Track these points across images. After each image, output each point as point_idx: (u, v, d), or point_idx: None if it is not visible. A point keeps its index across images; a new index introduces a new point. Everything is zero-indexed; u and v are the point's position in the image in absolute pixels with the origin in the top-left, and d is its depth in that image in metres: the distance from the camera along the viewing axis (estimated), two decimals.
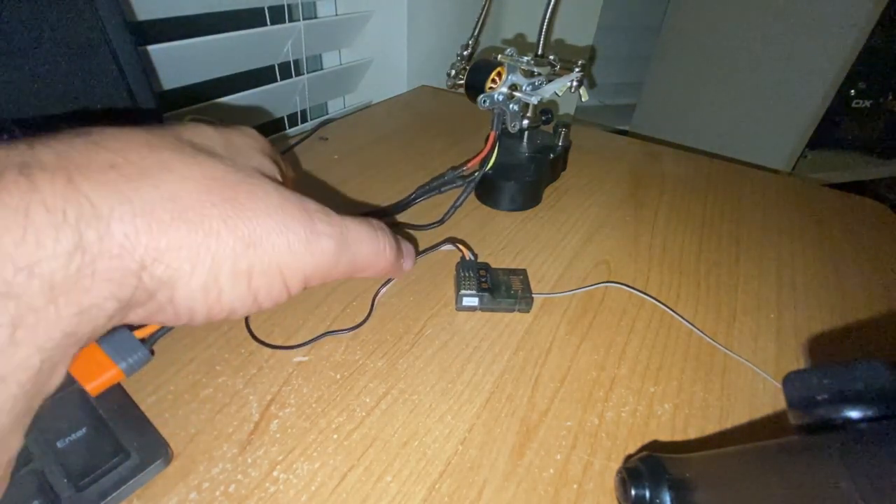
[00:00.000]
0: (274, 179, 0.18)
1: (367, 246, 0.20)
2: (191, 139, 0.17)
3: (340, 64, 0.63)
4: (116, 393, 0.21)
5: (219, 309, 0.16)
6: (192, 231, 0.15)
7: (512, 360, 0.26)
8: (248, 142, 0.19)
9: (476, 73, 0.36)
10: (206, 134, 0.18)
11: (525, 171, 0.38)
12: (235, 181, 0.16)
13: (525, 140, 0.41)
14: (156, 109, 0.31)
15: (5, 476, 0.13)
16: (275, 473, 0.20)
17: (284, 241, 0.17)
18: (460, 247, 0.31)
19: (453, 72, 0.40)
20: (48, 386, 0.13)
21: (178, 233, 0.14)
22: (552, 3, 0.38)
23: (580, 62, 0.39)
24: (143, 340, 0.22)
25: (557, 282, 0.31)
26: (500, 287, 0.28)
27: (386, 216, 0.35)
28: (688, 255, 0.35)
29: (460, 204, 0.36)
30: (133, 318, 0.15)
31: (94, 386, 0.20)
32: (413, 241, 0.27)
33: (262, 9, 0.50)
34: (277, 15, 0.52)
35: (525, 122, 0.37)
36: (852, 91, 0.91)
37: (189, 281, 0.15)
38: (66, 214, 0.12)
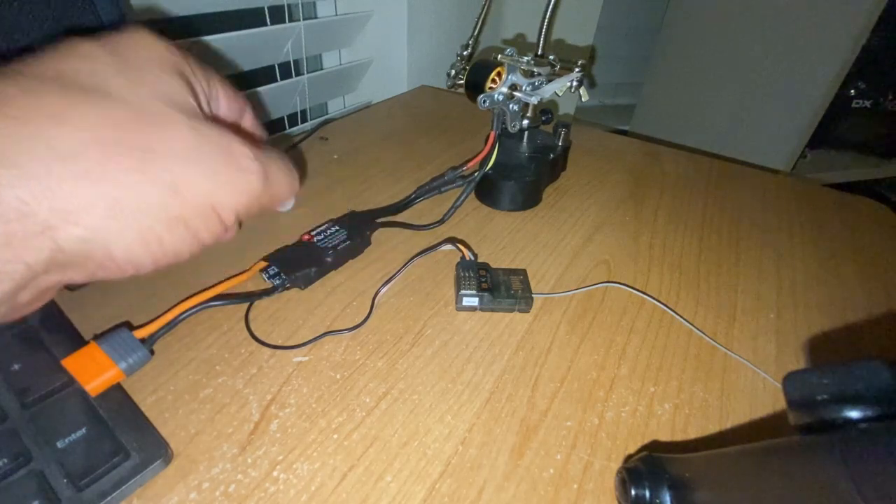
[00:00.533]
0: (185, 108, 0.16)
1: (284, 180, 0.20)
2: (78, 72, 0.15)
3: (340, 64, 0.63)
4: (116, 393, 0.21)
5: (162, 255, 0.16)
6: (102, 188, 0.14)
7: (512, 360, 0.26)
8: (147, 57, 0.16)
9: (476, 73, 0.36)
10: (95, 60, 0.15)
11: (525, 171, 0.38)
12: (140, 123, 0.15)
13: (525, 140, 0.41)
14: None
15: None
16: (275, 473, 0.20)
17: (211, 182, 0.16)
18: (460, 247, 0.31)
19: (453, 72, 0.40)
20: None
21: (87, 191, 0.13)
22: (552, 3, 0.38)
23: (580, 62, 0.39)
24: (142, 340, 0.22)
25: (557, 282, 0.31)
26: (500, 287, 0.28)
27: (386, 216, 0.35)
28: (688, 255, 0.35)
29: (460, 204, 0.36)
30: (74, 276, 0.15)
31: (94, 386, 0.20)
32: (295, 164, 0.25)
33: (263, 9, 0.50)
34: (277, 15, 0.52)
35: (525, 122, 0.37)
36: (852, 91, 0.91)
37: (122, 237, 0.14)
38: None
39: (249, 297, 0.27)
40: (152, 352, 0.23)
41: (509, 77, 0.35)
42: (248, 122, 0.24)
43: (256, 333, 0.26)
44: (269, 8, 0.51)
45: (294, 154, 0.44)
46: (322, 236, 0.31)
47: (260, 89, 0.50)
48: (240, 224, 0.21)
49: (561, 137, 0.42)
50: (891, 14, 0.78)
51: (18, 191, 0.12)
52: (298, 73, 0.54)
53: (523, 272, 0.30)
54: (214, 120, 0.18)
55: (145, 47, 0.17)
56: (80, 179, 0.13)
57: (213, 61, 0.45)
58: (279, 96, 0.53)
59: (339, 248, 0.30)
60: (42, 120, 0.13)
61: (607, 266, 0.33)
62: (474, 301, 0.28)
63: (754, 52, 0.90)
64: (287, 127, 0.58)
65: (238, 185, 0.17)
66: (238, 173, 0.17)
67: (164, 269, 0.18)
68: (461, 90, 0.37)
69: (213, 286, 0.26)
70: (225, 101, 0.21)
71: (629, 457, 0.21)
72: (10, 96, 0.13)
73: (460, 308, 0.28)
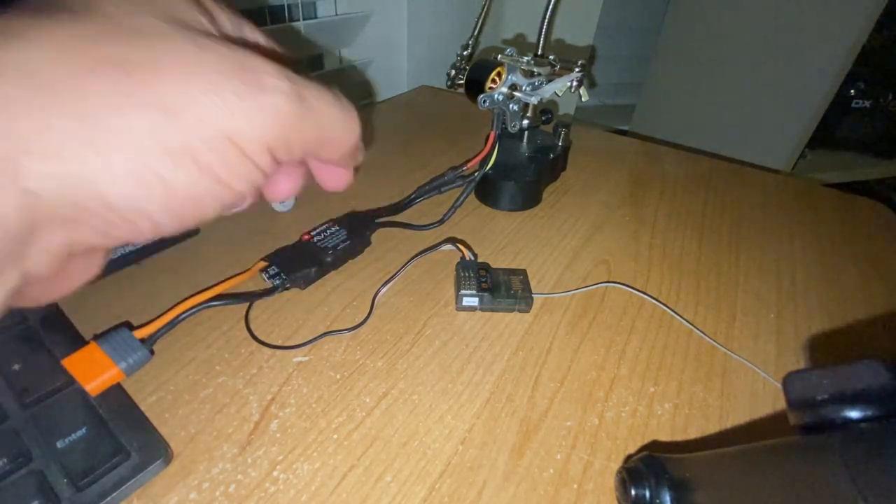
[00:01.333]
0: (191, 26, 0.14)
1: (335, 111, 0.16)
2: None
3: (340, 64, 0.63)
4: (116, 393, 0.21)
5: (177, 201, 0.13)
6: (72, 111, 0.11)
7: (512, 360, 0.26)
8: None
9: (476, 73, 0.36)
10: None
11: (525, 171, 0.38)
12: (127, 40, 0.12)
13: (525, 140, 0.41)
14: None
15: None
16: (275, 473, 0.20)
17: (217, 100, 0.13)
18: (460, 247, 0.31)
19: (453, 72, 0.40)
20: None
21: (52, 117, 0.11)
22: (552, 3, 0.38)
23: (580, 62, 0.39)
24: (142, 340, 0.22)
25: (557, 282, 0.31)
26: (500, 287, 0.28)
27: (386, 216, 0.35)
28: (688, 255, 0.35)
29: (460, 204, 0.36)
30: (81, 234, 0.12)
31: (94, 386, 0.20)
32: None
33: (263, 9, 0.50)
34: (277, 15, 0.52)
35: (525, 122, 0.37)
36: (852, 91, 0.91)
37: (110, 174, 0.12)
38: None
39: (249, 297, 0.27)
40: (152, 352, 0.23)
41: (509, 77, 0.35)
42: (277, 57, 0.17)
43: (256, 333, 0.26)
44: (269, 8, 0.51)
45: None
46: (322, 236, 0.31)
47: None
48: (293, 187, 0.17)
49: (561, 137, 0.42)
50: (891, 14, 0.78)
51: None
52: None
53: (523, 272, 0.30)
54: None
55: None
56: (44, 101, 0.11)
57: None
58: None
59: (338, 248, 0.30)
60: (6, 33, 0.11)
61: (607, 266, 0.33)
62: (474, 301, 0.28)
63: (754, 52, 0.90)
64: None
65: (261, 107, 0.13)
66: (259, 92, 0.13)
67: (201, 226, 0.14)
68: (461, 90, 0.37)
69: (212, 286, 0.26)
70: (251, 36, 0.18)
71: (629, 457, 0.21)
72: None
73: (460, 308, 0.28)
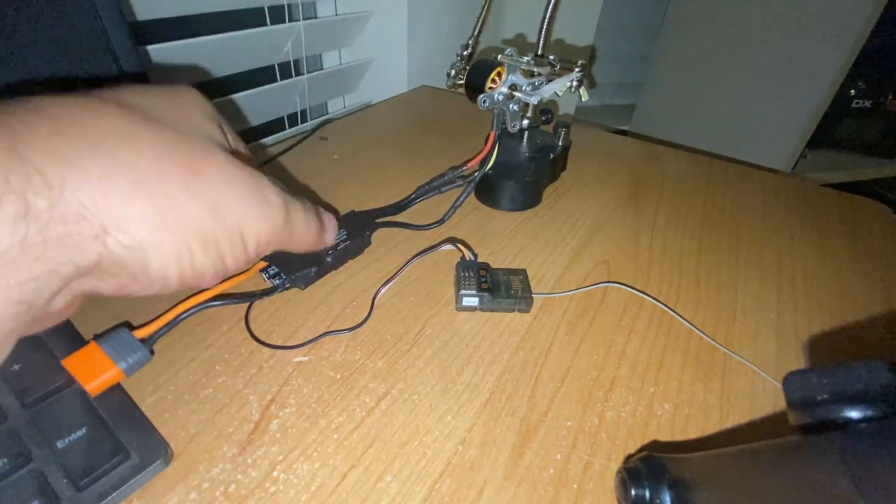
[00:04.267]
0: (223, 146, 0.18)
1: (303, 221, 0.22)
2: (139, 106, 0.17)
3: (340, 64, 0.63)
4: (116, 393, 0.21)
5: (191, 274, 0.17)
6: (154, 199, 0.15)
7: (512, 360, 0.26)
8: (192, 105, 0.19)
9: (476, 73, 0.36)
10: (150, 98, 0.17)
11: (525, 171, 0.38)
12: (190, 149, 0.17)
13: (525, 140, 0.41)
14: (144, 79, 0.31)
15: None
16: (275, 473, 0.20)
17: (243, 207, 0.18)
18: (460, 247, 0.31)
19: (453, 72, 0.40)
20: None
21: (140, 201, 0.15)
22: (552, 3, 0.38)
23: (580, 62, 0.39)
24: (142, 340, 0.22)
25: (557, 282, 0.31)
26: (500, 287, 0.28)
27: (386, 216, 0.35)
28: (688, 255, 0.35)
29: (460, 204, 0.36)
30: (105, 287, 0.16)
31: (94, 386, 0.20)
32: (336, 212, 0.28)
33: (263, 9, 0.50)
34: (277, 15, 0.52)
35: (525, 122, 0.37)
36: (852, 91, 0.91)
37: (161, 249, 0.15)
38: (9, 183, 0.12)
39: (249, 297, 0.27)
40: (152, 352, 0.23)
41: (509, 77, 0.35)
42: None
43: (256, 333, 0.26)
44: (269, 8, 0.51)
45: (292, 154, 0.44)
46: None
47: (260, 89, 0.50)
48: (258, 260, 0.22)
49: (561, 137, 0.42)
50: (891, 14, 0.78)
51: (82, 194, 0.14)
52: (298, 73, 0.54)
53: (523, 272, 0.30)
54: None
55: (191, 97, 0.20)
56: (136, 189, 0.15)
57: (213, 61, 0.45)
58: (279, 96, 0.53)
59: (339, 248, 0.30)
60: (107, 135, 0.15)
61: (607, 266, 0.33)
62: (474, 301, 0.28)
63: (754, 52, 0.90)
64: (287, 127, 0.58)
65: (264, 214, 0.19)
66: (264, 204, 0.19)
67: (185, 291, 0.18)
68: (461, 90, 0.37)
69: (212, 286, 0.26)
70: (239, 146, 0.23)
71: (629, 457, 0.21)
72: (80, 116, 0.15)
73: (460, 308, 0.28)
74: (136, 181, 0.15)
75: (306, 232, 0.22)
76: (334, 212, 0.30)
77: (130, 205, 0.15)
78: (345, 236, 0.31)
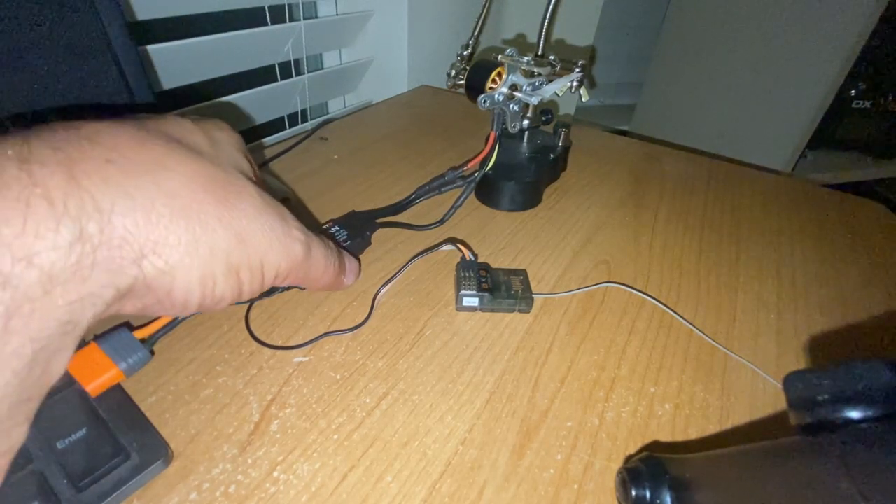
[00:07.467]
0: (253, 180, 0.19)
1: (322, 260, 0.22)
2: (179, 137, 0.17)
3: (341, 64, 0.63)
4: (116, 393, 0.21)
5: (211, 299, 0.17)
6: (190, 226, 0.16)
7: (512, 360, 0.26)
8: (226, 138, 0.20)
9: (476, 73, 0.35)
10: (190, 130, 0.18)
11: (525, 172, 0.38)
12: (226, 181, 0.17)
13: (525, 140, 0.41)
14: (155, 109, 0.31)
15: (3, 466, 0.13)
16: (275, 474, 0.20)
17: (267, 240, 0.18)
18: (460, 247, 0.31)
19: (453, 72, 0.40)
20: (47, 375, 0.13)
21: (177, 227, 0.15)
22: (552, 3, 0.38)
23: (580, 62, 0.39)
24: (143, 340, 0.22)
25: (557, 282, 0.31)
26: (500, 287, 0.28)
27: (386, 216, 0.35)
28: (688, 255, 0.35)
29: (460, 204, 0.36)
30: (129, 308, 0.16)
31: (94, 386, 0.20)
32: (357, 260, 0.29)
33: (263, 8, 0.50)
34: (277, 14, 0.52)
35: (525, 122, 0.37)
36: (852, 91, 0.91)
37: (189, 274, 0.16)
38: (66, 207, 0.13)
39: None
40: (152, 352, 0.23)
41: (509, 77, 0.35)
42: None
43: (256, 333, 0.26)
44: (269, 8, 0.51)
45: (292, 154, 0.44)
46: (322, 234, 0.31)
47: (260, 89, 0.50)
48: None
49: (561, 137, 0.42)
50: (891, 14, 0.78)
51: (127, 220, 0.14)
52: (298, 73, 0.54)
53: (523, 272, 0.30)
54: None
55: (227, 132, 0.21)
56: (175, 216, 0.15)
57: (213, 61, 0.45)
58: (279, 96, 0.53)
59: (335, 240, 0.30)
60: (151, 164, 0.15)
61: (607, 266, 0.33)
62: (474, 301, 0.28)
63: (754, 52, 0.90)
64: (287, 127, 0.58)
65: (286, 248, 0.19)
66: (288, 238, 0.20)
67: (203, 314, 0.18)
68: (461, 90, 0.37)
69: None
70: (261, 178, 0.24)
71: (629, 457, 0.21)
72: (129, 145, 0.15)
73: (460, 308, 0.28)
74: (175, 209, 0.15)
75: (324, 271, 0.23)
76: (358, 261, 0.29)
77: (168, 231, 0.15)
78: (345, 236, 0.31)
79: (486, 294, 0.28)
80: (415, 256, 0.32)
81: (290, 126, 0.59)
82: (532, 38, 0.40)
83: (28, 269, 0.12)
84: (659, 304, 0.30)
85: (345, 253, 0.26)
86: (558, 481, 0.21)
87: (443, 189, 0.37)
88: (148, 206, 0.15)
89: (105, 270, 0.14)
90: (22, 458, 0.18)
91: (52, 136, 0.14)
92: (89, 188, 0.13)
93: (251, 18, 0.50)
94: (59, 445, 0.19)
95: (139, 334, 0.23)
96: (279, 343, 0.26)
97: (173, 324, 0.24)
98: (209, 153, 0.18)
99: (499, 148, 0.35)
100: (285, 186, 0.38)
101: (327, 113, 0.65)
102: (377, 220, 0.34)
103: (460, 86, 0.38)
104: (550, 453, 0.22)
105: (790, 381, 0.14)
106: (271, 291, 0.27)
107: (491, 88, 0.35)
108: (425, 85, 0.65)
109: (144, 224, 0.15)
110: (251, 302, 0.27)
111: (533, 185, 0.39)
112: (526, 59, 0.36)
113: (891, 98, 0.93)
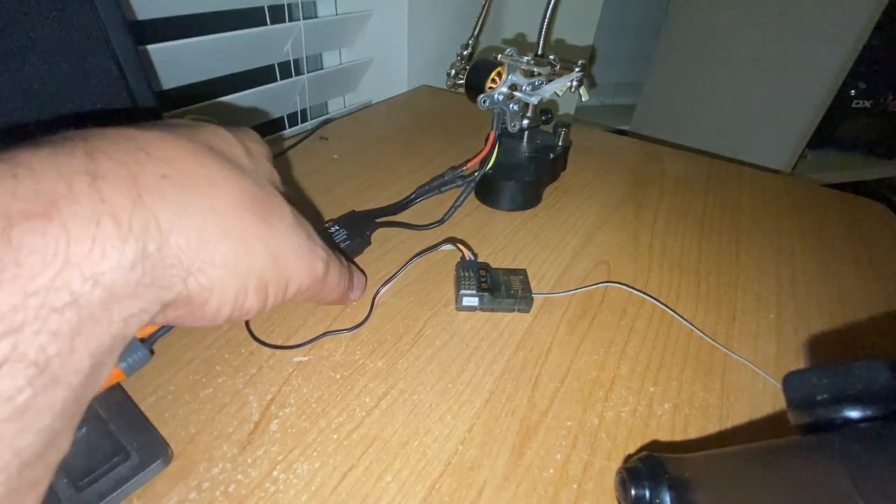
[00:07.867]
0: (284, 194, 0.20)
1: (337, 277, 0.23)
2: (222, 150, 0.18)
3: (340, 64, 0.63)
4: (116, 393, 0.21)
5: (239, 312, 0.18)
6: (234, 246, 0.16)
7: (512, 360, 0.26)
8: (260, 150, 0.20)
9: (476, 73, 0.35)
10: (230, 143, 0.18)
11: (525, 171, 0.38)
12: (266, 200, 0.18)
13: (525, 140, 0.41)
14: (155, 109, 0.31)
15: (48, 477, 0.13)
16: (275, 473, 0.20)
17: (296, 258, 0.19)
18: (460, 247, 0.31)
19: (453, 72, 0.40)
20: (95, 386, 0.13)
21: (223, 246, 0.16)
22: (552, 3, 0.38)
23: (580, 62, 0.39)
24: (143, 340, 0.22)
25: (557, 282, 0.31)
26: (500, 287, 0.28)
27: (386, 215, 0.35)
28: (688, 255, 0.35)
29: (460, 204, 0.36)
30: (161, 318, 0.16)
31: None
32: (364, 275, 0.29)
33: (263, 8, 0.50)
34: (277, 14, 0.52)
35: (525, 122, 0.37)
36: (852, 91, 0.91)
37: (226, 290, 0.16)
38: (132, 227, 0.13)
39: None
40: (152, 352, 0.23)
41: (509, 77, 0.35)
42: None
43: (256, 333, 0.26)
44: (269, 7, 0.51)
45: (292, 154, 0.44)
46: (322, 236, 0.31)
47: (260, 89, 0.50)
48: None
49: (561, 137, 0.42)
50: (891, 14, 0.78)
51: (181, 239, 0.14)
52: (298, 73, 0.54)
53: (523, 272, 0.30)
54: None
55: (257, 143, 0.21)
56: (221, 235, 0.16)
57: (213, 61, 0.45)
58: (279, 96, 0.53)
59: (338, 248, 0.30)
60: (201, 180, 0.16)
61: (607, 266, 0.33)
62: (474, 301, 0.28)
63: (754, 52, 0.90)
64: (287, 126, 0.58)
65: (310, 266, 0.20)
66: (313, 257, 0.20)
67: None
68: (461, 90, 0.37)
69: None
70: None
71: (629, 457, 0.21)
72: (180, 158, 0.15)
73: (460, 308, 0.28)
74: (223, 228, 0.16)
75: (336, 287, 0.23)
76: (365, 275, 0.29)
77: (216, 251, 0.15)
78: (345, 236, 0.31)
79: (486, 294, 0.28)
80: (415, 256, 0.32)
81: (290, 126, 0.59)
82: (532, 38, 0.40)
83: (94, 289, 0.12)
84: (659, 304, 0.30)
85: (353, 267, 0.26)
86: (558, 481, 0.21)
87: (443, 189, 0.37)
88: (200, 226, 0.15)
89: (157, 287, 0.14)
90: None
91: (112, 148, 0.14)
92: (151, 206, 0.13)
93: (251, 18, 0.50)
94: None
95: (139, 334, 0.22)
96: (279, 342, 0.26)
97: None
98: (249, 168, 0.18)
99: (498, 148, 0.35)
100: (285, 186, 0.38)
101: (327, 113, 0.65)
102: (377, 220, 0.34)
103: (460, 85, 0.38)
104: (550, 453, 0.22)
105: (790, 381, 0.14)
106: None
107: (491, 88, 0.35)
108: (425, 85, 0.65)
109: (196, 243, 0.15)
110: None
111: (533, 184, 0.39)
112: (526, 58, 0.36)
113: (891, 98, 0.93)
